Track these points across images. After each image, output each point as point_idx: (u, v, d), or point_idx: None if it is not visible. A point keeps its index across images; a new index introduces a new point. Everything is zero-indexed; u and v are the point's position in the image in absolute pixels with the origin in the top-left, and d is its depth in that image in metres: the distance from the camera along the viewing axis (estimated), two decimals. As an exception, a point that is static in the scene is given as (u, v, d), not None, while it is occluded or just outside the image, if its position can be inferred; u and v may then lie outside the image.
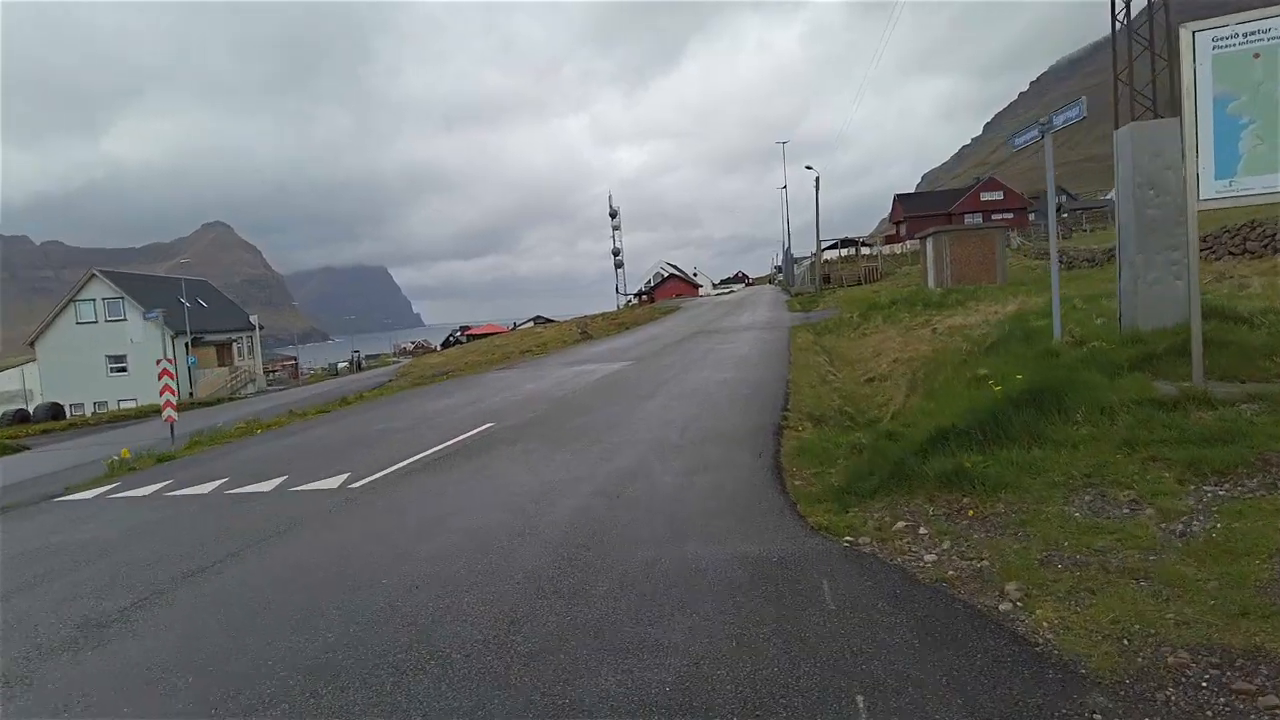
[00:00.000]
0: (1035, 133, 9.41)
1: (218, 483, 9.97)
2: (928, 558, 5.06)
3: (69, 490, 11.21)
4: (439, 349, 79.78)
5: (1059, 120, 8.86)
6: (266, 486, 9.36)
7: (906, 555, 5.15)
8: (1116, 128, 9.53)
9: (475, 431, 11.66)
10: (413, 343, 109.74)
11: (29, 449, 28.86)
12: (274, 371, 79.34)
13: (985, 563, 4.80)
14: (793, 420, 10.48)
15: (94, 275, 55.45)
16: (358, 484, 8.86)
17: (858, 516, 6.03)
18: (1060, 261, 41.44)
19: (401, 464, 9.73)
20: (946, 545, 5.21)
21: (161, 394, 15.82)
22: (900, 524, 5.71)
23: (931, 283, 36.77)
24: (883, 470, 6.53)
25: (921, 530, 5.54)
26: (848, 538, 5.57)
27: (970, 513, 5.62)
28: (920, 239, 41.43)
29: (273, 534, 7.07)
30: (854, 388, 16.06)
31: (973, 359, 10.38)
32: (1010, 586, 4.38)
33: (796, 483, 7.30)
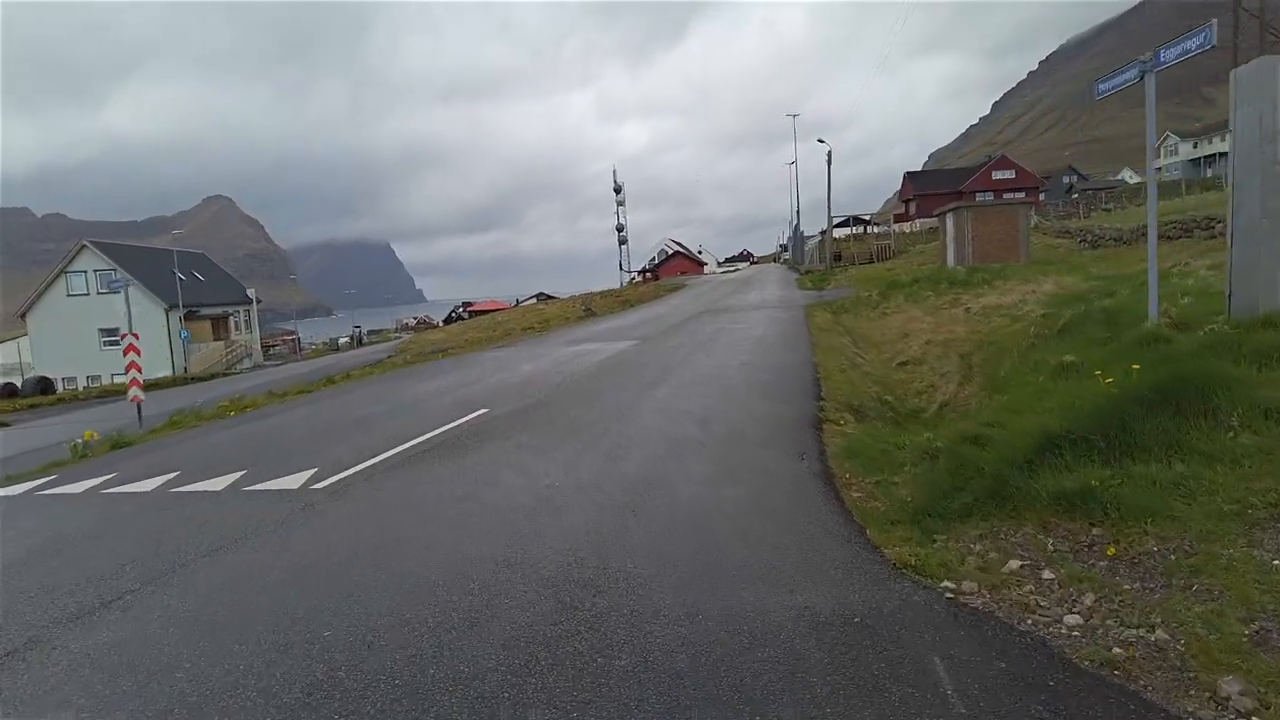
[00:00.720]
0: (1132, 74, 7.86)
1: (165, 478, 8.58)
2: (1070, 620, 3.65)
3: (3, 483, 9.85)
4: (441, 325, 78.96)
5: (1172, 54, 7.30)
6: (219, 484, 7.97)
7: (1037, 615, 3.74)
8: (1235, 65, 8.00)
9: (464, 420, 10.25)
10: (415, 318, 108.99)
11: (8, 425, 27.60)
12: (273, 346, 78.29)
13: (1162, 634, 3.39)
14: (831, 412, 9.04)
15: (85, 246, 53.94)
16: (321, 484, 7.45)
17: (950, 549, 4.62)
18: (1084, 240, 39.66)
19: (376, 459, 8.32)
20: (1090, 600, 3.79)
21: (127, 371, 14.43)
22: (1013, 563, 4.29)
23: (952, 260, 35.19)
24: (975, 485, 5.11)
25: (1045, 574, 4.13)
26: (946, 583, 4.16)
27: (1109, 550, 4.20)
28: (939, 215, 39.74)
29: (203, 554, 5.68)
30: (886, 372, 14.62)
31: (1042, 344, 8.93)
32: (1227, 682, 2.97)
33: (855, 494, 5.89)
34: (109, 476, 9.10)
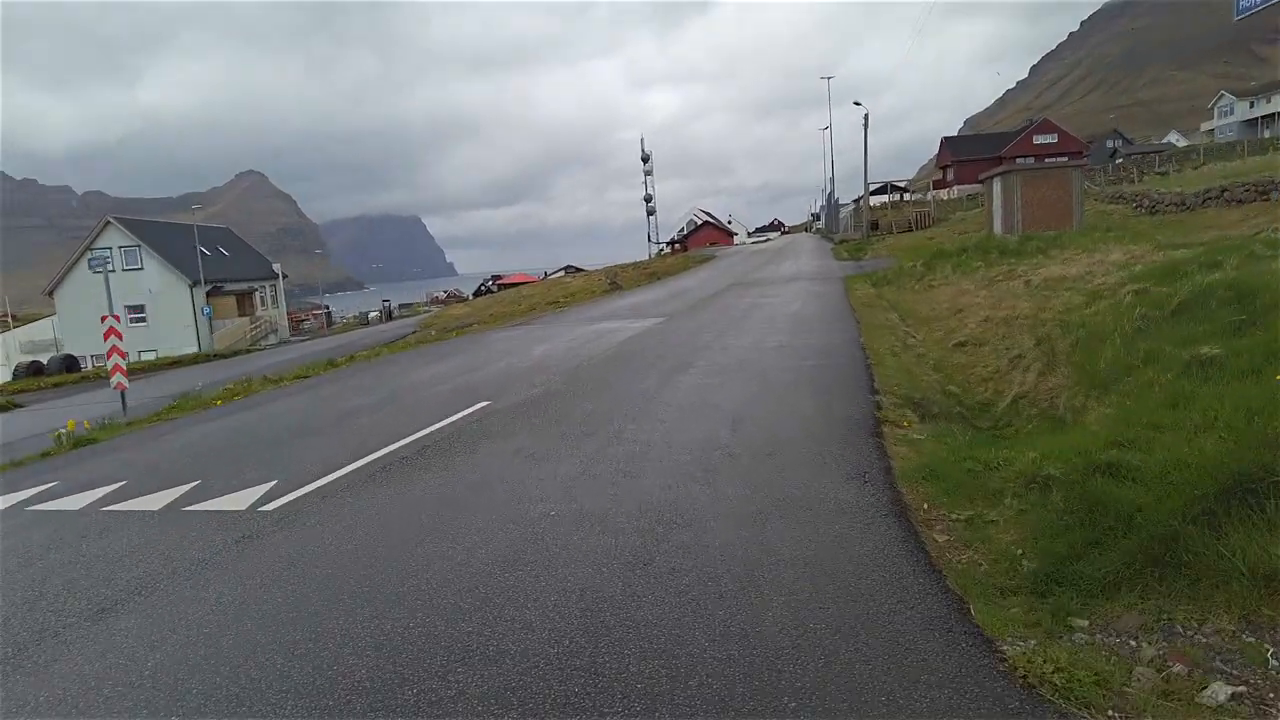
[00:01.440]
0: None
1: (105, 491, 7.33)
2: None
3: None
4: (470, 298, 78.83)
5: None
6: (159, 500, 6.71)
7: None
8: None
9: (459, 417, 8.88)
10: (445, 292, 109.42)
11: (21, 407, 27.02)
12: (304, 321, 78.27)
13: None
14: (890, 410, 7.52)
15: (109, 222, 53.57)
16: (271, 505, 6.14)
17: (1103, 651, 3.13)
18: (1139, 206, 37.18)
19: (345, 470, 6.99)
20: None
21: (109, 356, 13.31)
22: (1219, 687, 2.79)
23: (999, 228, 33.05)
24: (1124, 543, 3.60)
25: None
26: (1116, 724, 2.69)
27: (1375, 673, 2.69)
28: (985, 180, 37.45)
29: (86, 617, 4.37)
30: (942, 354, 13.00)
31: (1152, 329, 7.28)
32: None
33: (940, 538, 4.41)
34: (44, 488, 7.88)
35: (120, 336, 13.07)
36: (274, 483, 6.83)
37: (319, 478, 6.79)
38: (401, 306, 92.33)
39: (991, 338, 12.98)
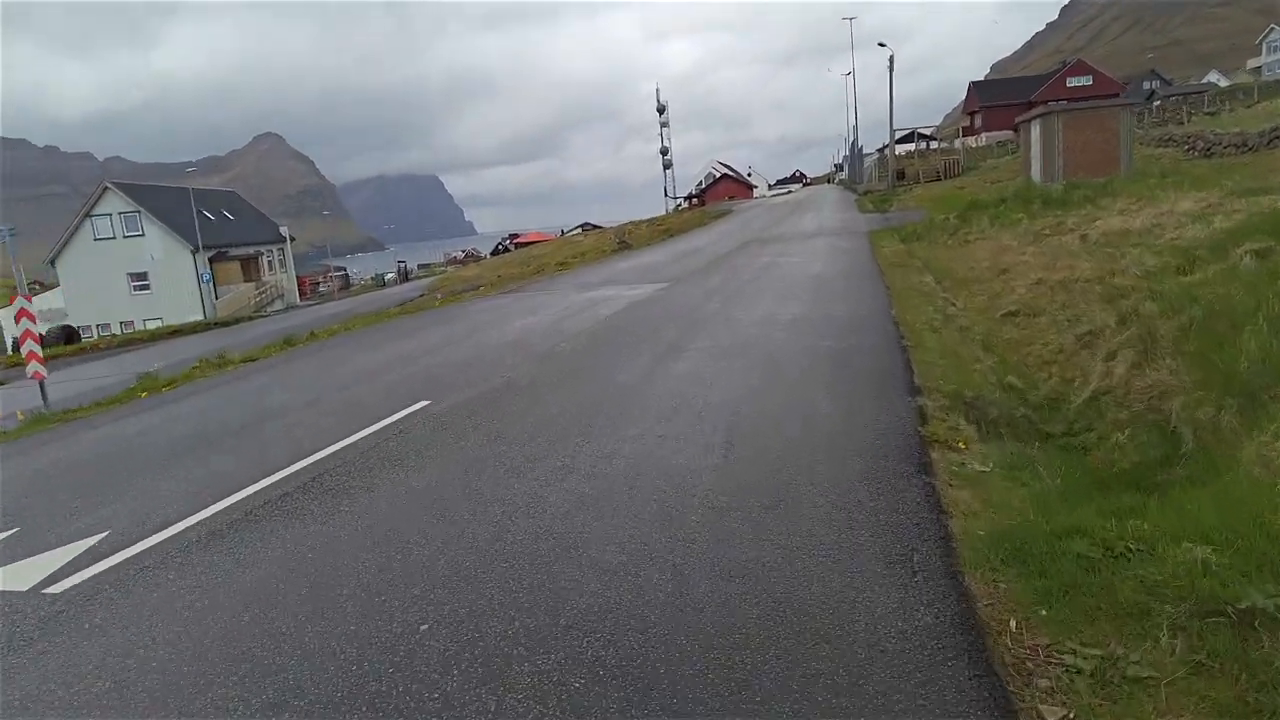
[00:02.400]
0: None
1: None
2: None
3: None
4: (488, 257, 78.25)
5: None
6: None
7: None
8: None
9: (383, 425, 7.02)
10: (463, 251, 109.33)
11: (2, 384, 25.71)
12: (318, 284, 77.25)
13: None
14: (937, 419, 5.55)
15: (107, 188, 51.98)
16: (61, 586, 4.34)
17: None
18: (1191, 148, 34.23)
19: (202, 514, 5.18)
20: None
21: (22, 342, 11.61)
22: None
23: (1038, 175, 30.44)
24: None
25: None
26: None
27: None
28: (1021, 124, 34.60)
29: None
30: (988, 325, 10.91)
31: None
32: None
33: (1051, 714, 2.51)
34: None
35: (34, 319, 11.36)
36: (104, 534, 5.05)
37: (154, 532, 4.97)
38: (421, 267, 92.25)
39: (1048, 305, 10.87)
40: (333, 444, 6.52)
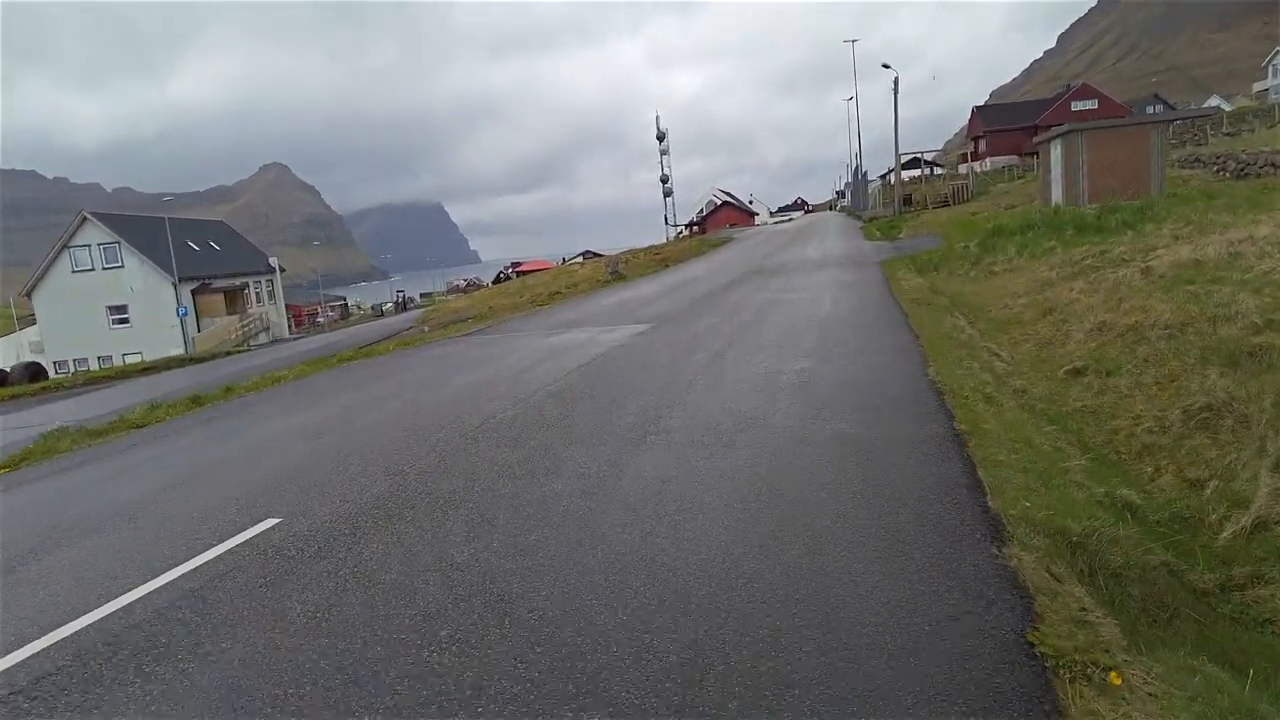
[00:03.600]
0: None
1: None
2: None
3: None
4: (489, 285, 78.07)
5: None
6: None
7: None
8: None
9: (195, 565, 4.70)
10: (465, 280, 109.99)
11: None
12: (315, 315, 75.84)
13: None
14: (1048, 609, 3.21)
15: (86, 218, 50.09)
16: None
17: None
18: (1221, 169, 31.95)
19: None
20: None
21: None
22: None
23: (1060, 198, 28.23)
24: None
25: None
26: None
27: None
28: (1040, 144, 32.44)
29: None
30: (1048, 386, 8.54)
31: None
32: None
33: None
34: None
35: None
36: None
37: None
38: (423, 296, 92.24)
39: (1124, 361, 8.50)
40: (109, 602, 4.16)
